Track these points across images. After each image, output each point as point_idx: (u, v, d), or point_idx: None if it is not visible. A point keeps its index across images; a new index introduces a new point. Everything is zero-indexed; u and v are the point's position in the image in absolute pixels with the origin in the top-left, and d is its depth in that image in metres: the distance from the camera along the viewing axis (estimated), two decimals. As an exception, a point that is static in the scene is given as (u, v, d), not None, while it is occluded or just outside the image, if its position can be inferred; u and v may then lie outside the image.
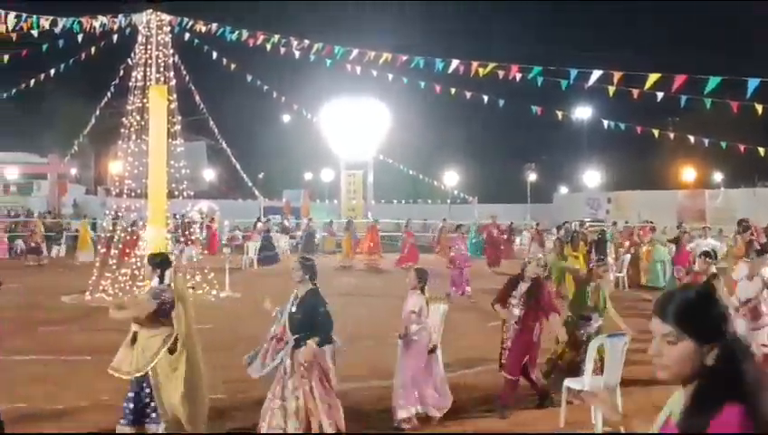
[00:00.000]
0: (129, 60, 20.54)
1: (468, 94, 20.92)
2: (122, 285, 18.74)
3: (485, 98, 20.90)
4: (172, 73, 19.87)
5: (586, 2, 67.02)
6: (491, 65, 17.37)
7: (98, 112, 25.44)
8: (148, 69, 19.59)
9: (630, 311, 14.26)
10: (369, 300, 18.57)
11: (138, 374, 6.98)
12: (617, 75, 16.22)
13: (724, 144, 21.01)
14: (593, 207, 48.46)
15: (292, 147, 60.12)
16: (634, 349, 8.37)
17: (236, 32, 20.44)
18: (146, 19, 19.85)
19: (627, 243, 24.35)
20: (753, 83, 13.70)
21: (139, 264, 19.22)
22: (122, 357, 7.20)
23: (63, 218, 40.41)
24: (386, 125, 44.49)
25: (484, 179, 58.74)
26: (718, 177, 55.11)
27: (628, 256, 22.56)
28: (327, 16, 70.08)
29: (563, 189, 62.61)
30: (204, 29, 20.57)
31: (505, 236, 31.61)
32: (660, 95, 16.26)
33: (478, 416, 8.69)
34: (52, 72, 24.64)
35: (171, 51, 20.05)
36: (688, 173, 54.31)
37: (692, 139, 21.87)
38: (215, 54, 23.03)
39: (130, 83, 19.88)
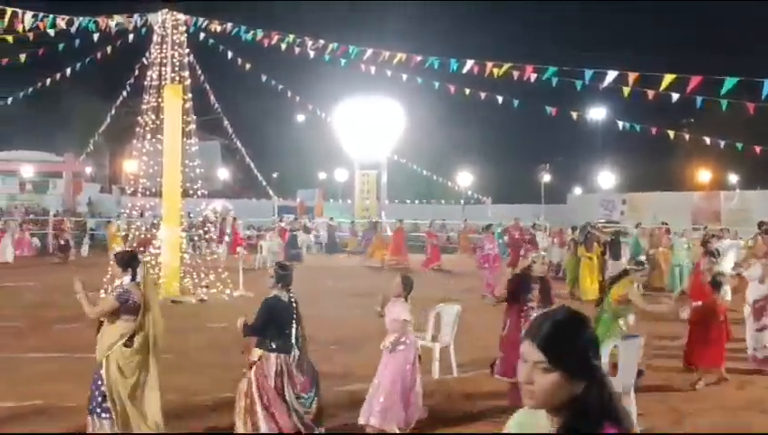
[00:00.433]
0: (144, 59, 20.62)
1: (483, 95, 20.89)
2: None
3: (500, 98, 20.86)
4: (187, 73, 19.91)
5: (601, 2, 66.89)
6: (506, 66, 17.32)
7: (113, 111, 25.59)
8: (163, 68, 19.64)
9: (644, 315, 14.15)
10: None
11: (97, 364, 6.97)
12: (632, 76, 16.14)
13: (739, 145, 20.86)
14: (607, 208, 48.28)
15: (307, 147, 60.17)
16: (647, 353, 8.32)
17: (251, 31, 20.47)
18: (161, 19, 19.91)
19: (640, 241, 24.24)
20: (769, 84, 13.61)
21: (154, 262, 19.34)
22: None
23: (78, 217, 40.61)
24: (400, 125, 44.52)
25: (498, 180, 58.64)
26: (734, 178, 54.71)
27: (643, 258, 22.40)
28: (341, 16, 70.11)
29: (577, 190, 62.41)
30: (219, 29, 20.62)
31: (528, 237, 31.33)
32: (676, 96, 16.18)
33: (492, 418, 8.64)
34: (69, 71, 24.77)
35: (186, 50, 20.09)
36: (704, 174, 53.96)
37: (707, 140, 21.74)
38: (229, 54, 23.11)
39: (146, 83, 19.95)
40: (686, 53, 54.74)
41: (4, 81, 33.37)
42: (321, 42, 20.32)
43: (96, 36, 21.17)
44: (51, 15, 18.85)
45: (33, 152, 48.60)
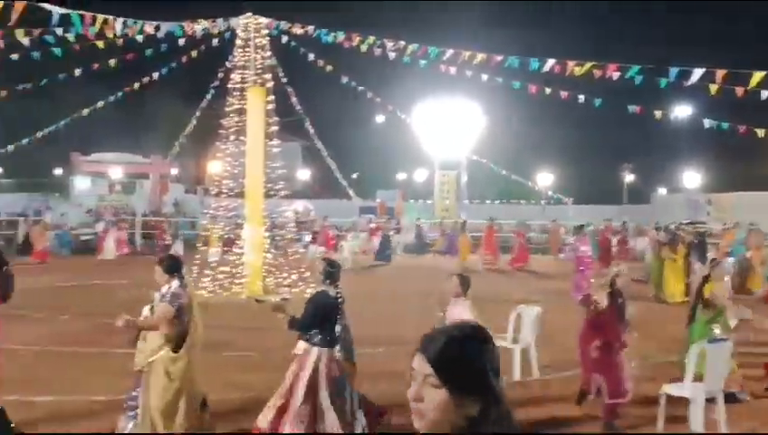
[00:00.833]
0: (227, 63, 20.99)
1: (564, 94, 20.67)
2: (222, 282, 19.20)
3: (581, 97, 20.60)
4: (269, 75, 20.17)
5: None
6: (588, 64, 17.11)
7: (198, 114, 26.18)
8: (246, 71, 19.96)
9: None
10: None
11: (140, 367, 6.99)
12: (720, 73, 15.75)
13: (834, 144, 20.17)
14: (693, 208, 47.04)
15: (386, 147, 60.31)
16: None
17: (332, 34, 20.64)
18: (244, 22, 20.24)
19: (724, 244, 23.49)
20: None
21: (238, 261, 19.69)
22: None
23: (164, 217, 41.51)
24: (479, 125, 44.26)
25: (579, 180, 57.70)
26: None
27: (731, 259, 21.64)
28: (422, 17, 70.21)
29: (662, 190, 60.99)
30: (300, 31, 20.81)
31: (618, 238, 30.62)
32: (766, 94, 15.72)
33: (572, 424, 8.53)
34: (155, 75, 25.40)
35: (268, 53, 20.37)
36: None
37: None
38: (311, 56, 23.33)
39: (229, 85, 20.30)
40: (776, 48, 53.12)
41: (94, 85, 34.48)
42: (402, 43, 20.36)
43: (182, 41, 21.67)
44: (140, 21, 19.35)
45: (121, 154, 49.76)
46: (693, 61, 16.54)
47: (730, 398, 8.42)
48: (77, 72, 24.50)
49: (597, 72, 17.26)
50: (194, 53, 23.56)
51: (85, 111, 29.04)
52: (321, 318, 7.23)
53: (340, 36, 20.61)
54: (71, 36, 18.35)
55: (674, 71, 16.39)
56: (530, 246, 31.07)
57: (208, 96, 24.21)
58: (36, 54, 20.02)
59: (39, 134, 31.52)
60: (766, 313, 13.23)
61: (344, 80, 25.81)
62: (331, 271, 7.58)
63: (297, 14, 22.76)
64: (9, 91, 26.21)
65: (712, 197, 49.33)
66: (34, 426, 7.88)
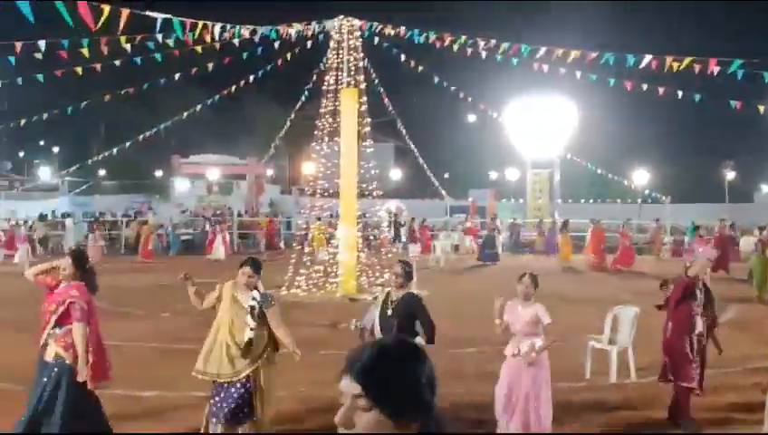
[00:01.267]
0: (321, 65, 21.24)
1: (661, 90, 20.22)
2: (315, 281, 19.46)
3: (680, 93, 20.12)
4: (362, 76, 20.29)
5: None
6: (687, 59, 16.69)
7: (292, 116, 26.51)
8: (339, 73, 20.13)
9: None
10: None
11: (246, 373, 6.86)
12: (827, 65, 15.19)
13: None
14: (799, 207, 45.40)
15: (478, 146, 60.09)
16: None
17: (424, 34, 20.67)
18: (337, 25, 20.42)
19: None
20: None
21: (332, 260, 19.92)
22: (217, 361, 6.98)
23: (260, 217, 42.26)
24: (573, 123, 43.52)
25: (677, 178, 56.13)
26: None
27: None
28: (514, 16, 69.59)
29: (765, 188, 58.91)
30: (392, 32, 20.91)
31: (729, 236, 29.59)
32: None
33: (670, 424, 8.34)
34: (251, 78, 25.89)
35: (361, 54, 20.50)
36: None
37: None
38: (403, 57, 23.41)
39: (323, 87, 20.53)
40: None
41: (192, 89, 35.43)
42: (493, 42, 20.25)
43: (277, 44, 22.03)
44: (237, 26, 19.76)
45: (218, 156, 50.85)
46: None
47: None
48: (176, 76, 25.21)
49: (696, 67, 16.83)
50: (288, 56, 23.92)
51: (184, 115, 29.83)
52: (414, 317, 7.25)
53: (432, 36, 20.64)
54: (170, 42, 18.89)
55: (778, 64, 15.87)
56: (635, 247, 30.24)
57: (302, 98, 24.48)
58: (138, 60, 20.67)
59: (140, 137, 32.47)
60: None
61: (436, 80, 25.85)
62: (410, 271, 7.68)
63: (389, 15, 22.87)
64: (112, 96, 27.17)
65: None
66: (139, 419, 8.16)
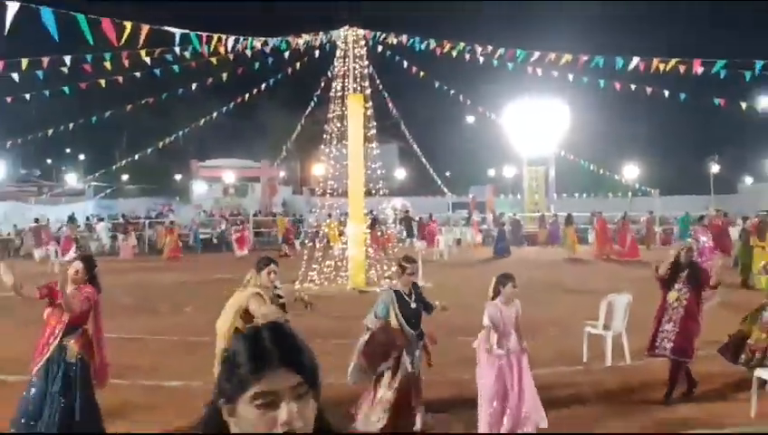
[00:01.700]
0: (329, 72, 21.25)
1: (649, 90, 20.24)
2: (327, 275, 19.53)
3: (666, 92, 20.13)
4: (367, 83, 20.31)
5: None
6: (673, 61, 16.69)
7: (302, 121, 26.55)
8: (346, 80, 20.16)
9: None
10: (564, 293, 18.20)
11: None
12: (805, 64, 15.16)
13: None
14: (780, 197, 45.23)
15: (477, 146, 60.01)
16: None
17: (425, 42, 20.68)
18: (344, 35, 20.45)
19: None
20: None
21: (341, 256, 19.96)
22: None
23: (274, 216, 42.32)
24: (566, 121, 43.59)
25: (665, 172, 56.07)
26: None
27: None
28: (509, 22, 69.53)
29: (748, 180, 58.76)
30: (395, 41, 20.93)
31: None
32: None
33: (671, 402, 8.33)
34: (263, 86, 25.93)
35: (366, 62, 20.52)
36: None
37: None
38: (405, 63, 23.43)
39: (331, 94, 20.54)
40: None
41: (208, 98, 35.48)
42: (490, 48, 20.25)
43: (287, 54, 22.08)
44: (249, 38, 19.80)
45: (233, 160, 51.01)
46: (777, 53, 15.95)
47: None
48: (193, 86, 25.26)
49: (682, 68, 16.83)
50: (298, 65, 23.97)
51: (201, 122, 29.89)
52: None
53: (433, 44, 20.64)
54: (188, 54, 18.94)
55: (759, 63, 15.86)
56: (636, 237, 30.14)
57: (312, 104, 24.53)
58: (157, 72, 20.72)
59: (160, 144, 32.56)
60: None
61: (436, 84, 25.87)
62: (416, 264, 7.68)
63: (392, 24, 22.86)
64: (133, 106, 27.23)
65: (799, 185, 47.44)
66: (163, 408, 8.16)
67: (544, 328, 12.06)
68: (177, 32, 15.55)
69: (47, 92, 22.42)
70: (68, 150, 68.54)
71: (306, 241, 22.29)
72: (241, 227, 33.65)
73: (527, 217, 40.01)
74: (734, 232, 26.12)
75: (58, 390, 6.33)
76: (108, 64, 18.57)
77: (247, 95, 27.15)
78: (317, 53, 22.04)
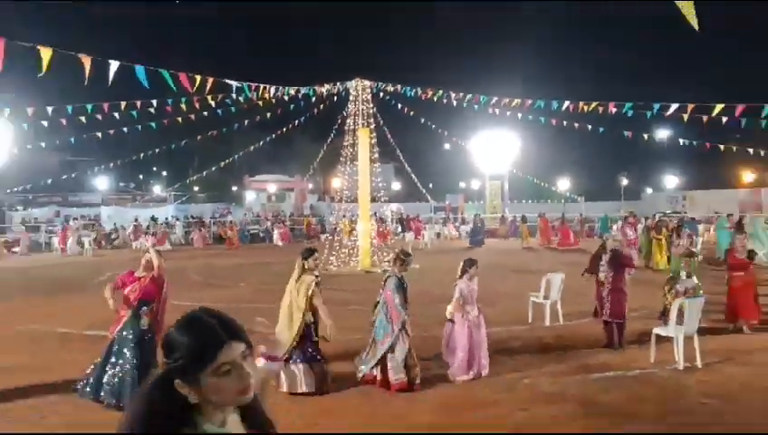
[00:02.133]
0: (344, 112, 21.26)
1: (576, 125, 20.28)
2: (343, 259, 19.49)
3: (589, 126, 20.18)
4: (372, 120, 20.32)
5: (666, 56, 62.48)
6: (594, 103, 16.69)
7: (325, 147, 26.50)
8: (356, 117, 20.15)
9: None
10: (514, 273, 18.17)
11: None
12: (690, 106, 15.18)
13: (777, 154, 19.18)
14: (672, 202, 45.12)
15: (451, 165, 59.78)
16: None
17: (414, 89, 20.72)
18: (354, 84, 20.46)
19: (702, 228, 22.38)
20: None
21: (353, 246, 19.92)
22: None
23: (305, 217, 42.28)
24: (516, 148, 43.34)
25: (589, 184, 55.84)
26: (772, 178, 49.66)
27: (701, 238, 20.63)
28: (474, 75, 69.55)
29: (649, 190, 58.63)
30: (392, 89, 20.97)
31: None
32: (724, 120, 15.05)
33: (592, 352, 8.32)
34: (296, 122, 25.93)
35: (371, 104, 20.53)
36: (748, 176, 49.50)
37: (751, 151, 20.04)
38: (399, 105, 23.46)
39: (345, 127, 20.55)
40: (734, 84, 50.61)
41: (255, 130, 35.40)
42: (461, 94, 20.29)
43: (313, 99, 22.09)
44: (286, 87, 19.82)
45: (274, 175, 50.96)
46: (670, 97, 15.99)
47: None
48: (245, 122, 25.25)
49: (600, 109, 16.83)
50: (321, 107, 23.97)
51: (251, 148, 29.89)
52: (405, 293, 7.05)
53: (419, 91, 20.68)
54: (241, 99, 18.97)
55: (656, 105, 15.89)
56: (574, 232, 29.90)
57: (332, 135, 24.51)
58: (219, 111, 20.72)
59: (221, 164, 32.49)
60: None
61: (422, 120, 25.95)
62: (410, 256, 7.39)
63: (389, 77, 22.84)
64: (202, 137, 27.19)
65: (686, 193, 47.32)
66: None
67: (501, 298, 12.05)
68: (234, 83, 15.58)
69: (139, 127, 22.36)
70: (154, 169, 68.46)
71: (328, 235, 22.25)
72: (282, 225, 33.63)
73: (489, 218, 39.89)
74: (639, 228, 26.13)
75: (128, 347, 6.23)
76: (183, 106, 18.55)
77: (285, 129, 27.16)
78: (335, 97, 22.08)
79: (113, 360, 6.23)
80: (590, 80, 66.50)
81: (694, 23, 2.40)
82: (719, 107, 14.25)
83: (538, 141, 50.35)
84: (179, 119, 20.58)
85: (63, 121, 19.29)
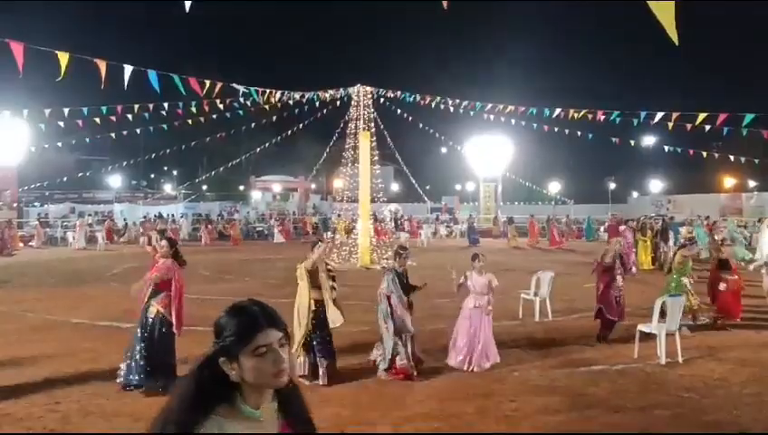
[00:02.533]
0: (346, 116, 21.31)
1: (567, 131, 20.29)
2: (344, 256, 19.50)
3: (579, 132, 20.19)
4: (373, 124, 20.35)
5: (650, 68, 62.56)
6: (583, 111, 16.73)
7: (328, 149, 26.56)
8: (358, 122, 20.17)
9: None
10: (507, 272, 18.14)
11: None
12: (674, 114, 15.21)
13: (757, 161, 19.23)
14: (657, 206, 45.12)
15: (448, 168, 59.75)
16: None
17: (412, 96, 20.75)
18: (356, 90, 20.48)
19: (684, 231, 22.32)
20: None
21: (353, 244, 19.92)
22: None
23: (307, 216, 42.28)
24: (510, 152, 43.39)
25: (578, 187, 55.91)
26: (752, 183, 49.65)
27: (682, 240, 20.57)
28: (471, 82, 69.61)
29: (635, 194, 58.67)
30: (392, 94, 20.99)
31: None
32: (707, 128, 15.08)
33: (579, 347, 8.33)
34: (301, 125, 25.93)
35: (372, 110, 20.56)
36: (729, 181, 49.54)
37: (732, 157, 20.10)
38: (399, 111, 23.50)
39: (347, 131, 20.58)
40: (716, 94, 50.65)
41: (262, 133, 35.47)
42: (458, 100, 20.31)
43: (317, 103, 22.11)
44: (292, 92, 19.83)
45: (279, 176, 50.93)
46: (656, 106, 16.01)
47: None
48: (252, 125, 25.23)
49: (590, 116, 16.86)
50: (325, 111, 24.02)
51: (258, 150, 29.91)
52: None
53: (417, 97, 20.71)
54: (249, 103, 18.97)
55: (643, 113, 15.91)
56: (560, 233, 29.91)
57: (334, 138, 24.58)
58: (227, 114, 20.72)
59: (229, 164, 32.51)
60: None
61: (420, 125, 25.97)
62: (408, 252, 7.50)
63: (389, 83, 22.84)
64: (211, 138, 27.17)
65: (670, 197, 47.36)
66: None
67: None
68: (242, 88, 15.60)
69: (151, 128, 22.39)
70: (165, 168, 68.38)
71: (330, 233, 22.25)
72: (280, 222, 33.60)
73: (483, 219, 39.90)
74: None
75: (146, 333, 6.30)
76: (193, 109, 18.57)
77: (290, 131, 27.18)
78: (338, 102, 22.12)
79: (130, 345, 6.39)
80: (580, 88, 66.63)
81: (674, 36, 2.41)
82: (702, 116, 14.31)
83: (530, 146, 50.42)
84: (190, 121, 20.63)
85: (79, 122, 19.33)
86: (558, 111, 17.40)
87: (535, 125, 20.53)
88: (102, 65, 9.59)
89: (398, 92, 20.85)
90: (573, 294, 12.47)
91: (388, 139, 24.41)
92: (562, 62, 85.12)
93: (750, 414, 5.70)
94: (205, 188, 56.49)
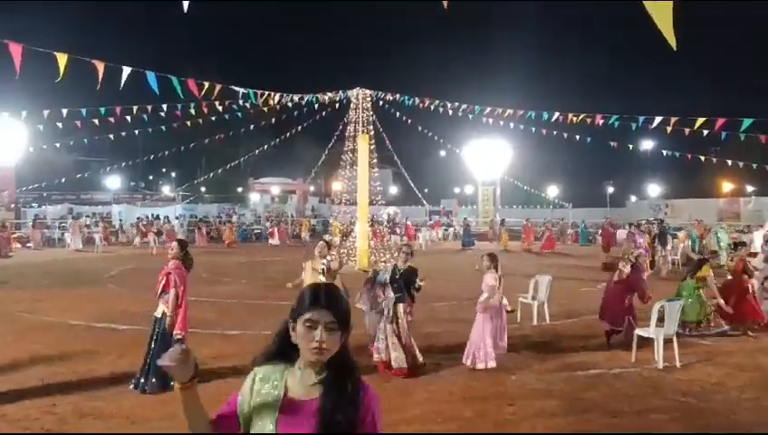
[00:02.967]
0: (345, 119, 21.30)
1: (565, 135, 20.30)
2: (342, 258, 19.45)
3: (577, 136, 20.23)
4: (371, 127, 20.35)
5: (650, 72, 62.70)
6: (582, 115, 16.76)
7: (326, 152, 26.54)
8: (356, 124, 20.17)
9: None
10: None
11: None
12: (673, 119, 15.25)
13: (755, 165, 19.26)
14: (655, 210, 45.19)
15: (447, 171, 59.81)
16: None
17: (411, 99, 20.74)
18: (355, 93, 20.48)
19: (682, 235, 22.38)
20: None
21: (351, 247, 19.89)
22: None
23: (307, 218, 42.24)
24: (508, 156, 43.42)
25: (576, 191, 55.93)
26: (750, 188, 49.73)
27: (682, 244, 20.61)
28: (469, 86, 69.68)
29: (633, 198, 58.73)
30: (391, 97, 20.99)
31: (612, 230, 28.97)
32: (705, 133, 15.11)
33: (577, 351, 8.34)
34: (299, 127, 25.92)
35: (371, 112, 20.55)
36: (727, 185, 49.62)
37: (729, 162, 20.14)
38: (398, 114, 23.49)
39: (346, 133, 20.57)
40: (715, 99, 50.80)
41: (260, 135, 35.43)
42: (457, 103, 20.32)
43: (316, 106, 22.12)
44: (290, 95, 19.83)
45: (278, 178, 50.81)
46: (655, 110, 16.06)
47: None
48: (251, 127, 25.23)
49: (588, 120, 16.89)
50: (324, 113, 24.01)
51: (256, 152, 29.88)
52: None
53: (416, 100, 20.71)
54: (247, 105, 18.96)
55: (641, 118, 15.95)
56: (556, 236, 29.90)
57: (333, 140, 24.55)
58: (226, 116, 20.71)
59: (228, 166, 32.46)
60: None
61: (419, 128, 26.00)
62: (412, 251, 7.80)
63: (388, 86, 22.86)
64: (210, 140, 27.14)
65: (668, 202, 47.42)
66: (228, 356, 7.85)
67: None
68: (240, 90, 15.60)
69: (150, 130, 22.35)
70: (163, 170, 68.34)
71: (328, 236, 22.23)
72: (271, 224, 33.58)
73: (481, 222, 39.92)
74: (622, 234, 26.15)
75: (154, 333, 6.41)
76: (192, 111, 18.57)
77: (288, 134, 27.17)
78: (337, 105, 22.12)
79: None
80: (579, 92, 66.82)
81: (672, 40, 2.42)
82: (701, 120, 14.34)
83: (529, 150, 50.49)
84: (188, 123, 20.62)
85: (78, 123, 19.31)
86: (557, 114, 17.42)
87: (534, 129, 20.57)
88: (101, 66, 9.59)
89: (398, 95, 20.86)
90: (570, 298, 12.49)
91: (387, 141, 24.41)
92: (561, 66, 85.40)
93: (748, 419, 5.71)
94: (203, 189, 56.46)
